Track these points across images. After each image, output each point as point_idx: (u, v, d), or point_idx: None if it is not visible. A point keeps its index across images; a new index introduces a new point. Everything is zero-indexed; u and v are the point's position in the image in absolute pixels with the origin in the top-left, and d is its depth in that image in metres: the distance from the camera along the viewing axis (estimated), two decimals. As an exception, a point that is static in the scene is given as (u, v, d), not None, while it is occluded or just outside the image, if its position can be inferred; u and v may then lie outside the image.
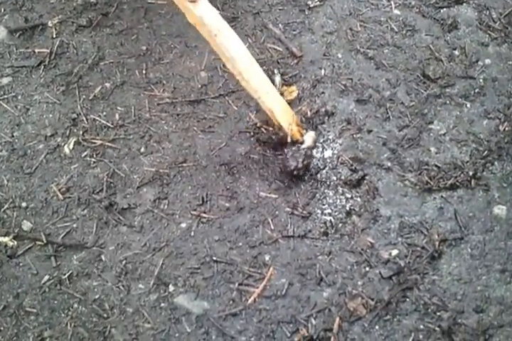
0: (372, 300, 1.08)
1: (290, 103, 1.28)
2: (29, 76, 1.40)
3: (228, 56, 1.13)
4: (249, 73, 1.15)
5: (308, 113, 1.32)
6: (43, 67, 1.41)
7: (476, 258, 1.13)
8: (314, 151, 1.25)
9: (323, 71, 1.40)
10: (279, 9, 1.51)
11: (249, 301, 1.08)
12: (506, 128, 1.30)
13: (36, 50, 1.44)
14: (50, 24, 1.49)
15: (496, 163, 1.25)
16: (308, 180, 1.22)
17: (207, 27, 1.11)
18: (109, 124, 1.31)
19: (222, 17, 1.48)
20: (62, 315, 1.08)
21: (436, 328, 1.05)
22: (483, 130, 1.30)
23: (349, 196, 1.20)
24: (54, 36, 1.47)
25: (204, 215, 1.18)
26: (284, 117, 1.19)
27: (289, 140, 1.19)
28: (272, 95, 1.19)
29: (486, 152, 1.26)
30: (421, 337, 1.04)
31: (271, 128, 1.27)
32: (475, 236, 1.16)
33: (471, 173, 1.23)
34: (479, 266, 1.12)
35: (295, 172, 1.19)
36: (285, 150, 1.20)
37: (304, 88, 1.36)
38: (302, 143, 1.21)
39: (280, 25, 1.48)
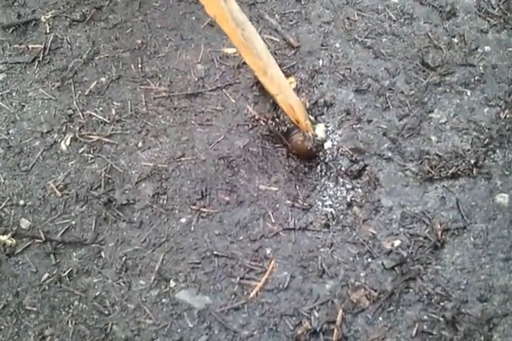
0: (375, 291, 1.07)
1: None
2: (23, 72, 1.39)
3: (253, 52, 1.10)
4: (271, 69, 1.13)
5: (307, 104, 1.30)
6: (37, 62, 1.40)
7: (479, 247, 1.12)
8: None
9: (321, 61, 1.38)
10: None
11: (251, 295, 1.07)
12: (507, 116, 1.29)
13: (30, 46, 1.43)
14: (43, 19, 1.48)
15: (497, 150, 1.24)
16: (308, 172, 1.21)
17: (234, 21, 1.05)
18: (105, 119, 1.30)
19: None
20: (63, 312, 1.07)
21: (441, 318, 1.04)
22: (484, 118, 1.29)
23: (350, 187, 1.19)
24: (47, 31, 1.46)
25: (204, 210, 1.17)
26: (302, 112, 1.19)
27: (307, 134, 1.19)
28: (290, 91, 1.18)
29: (487, 140, 1.25)
30: (425, 327, 1.04)
31: (270, 121, 1.26)
32: (477, 225, 1.15)
33: (472, 162, 1.22)
34: (482, 255, 1.11)
35: (312, 152, 1.20)
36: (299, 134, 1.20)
37: (302, 79, 1.35)
38: (316, 135, 1.21)
39: (276, 15, 1.46)
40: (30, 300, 1.09)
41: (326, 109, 1.30)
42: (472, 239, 1.14)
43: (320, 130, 1.24)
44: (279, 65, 1.34)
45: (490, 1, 1.49)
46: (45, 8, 1.50)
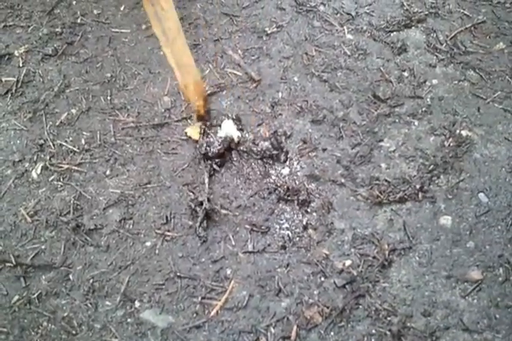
0: (328, 308, 1.20)
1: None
2: (-3, 104, 1.53)
3: (159, 25, 1.15)
4: (175, 47, 1.21)
5: (267, 133, 1.46)
6: (10, 95, 1.53)
7: (423, 266, 1.27)
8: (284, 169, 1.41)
9: (280, 94, 1.54)
10: (239, 36, 1.66)
11: (212, 314, 1.20)
12: (451, 144, 1.46)
13: (3, 79, 1.56)
14: (16, 53, 1.62)
15: (441, 176, 1.40)
16: (267, 197, 1.36)
17: None
18: (75, 149, 1.43)
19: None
20: (32, 333, 1.17)
21: (387, 332, 1.17)
22: (429, 146, 1.45)
23: (305, 211, 1.34)
24: (21, 65, 1.60)
25: (168, 233, 1.30)
26: (196, 92, 1.30)
27: (194, 115, 1.35)
28: (189, 70, 1.27)
29: (432, 166, 1.41)
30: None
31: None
32: (422, 245, 1.30)
33: (418, 187, 1.38)
34: (426, 273, 1.26)
35: (209, 156, 1.37)
36: (200, 139, 1.38)
37: (262, 110, 1.51)
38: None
39: (239, 51, 1.63)
40: (1, 322, 1.18)
41: (284, 138, 1.46)
42: (417, 258, 1.28)
43: (226, 126, 1.40)
44: (240, 97, 1.52)
45: (438, 37, 1.68)
46: (18, 43, 1.64)
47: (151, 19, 1.14)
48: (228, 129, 1.39)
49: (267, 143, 1.39)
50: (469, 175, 1.40)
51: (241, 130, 1.43)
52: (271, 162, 1.41)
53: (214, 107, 1.51)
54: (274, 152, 1.39)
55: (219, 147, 1.36)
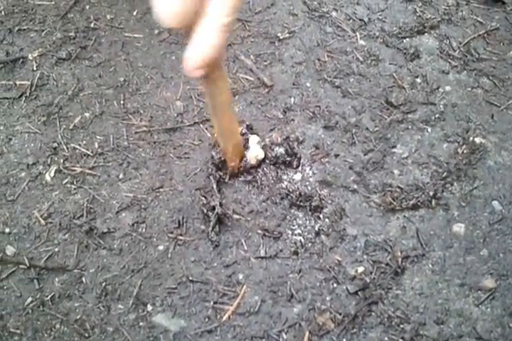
0: (340, 314, 1.22)
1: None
2: (11, 107, 1.55)
3: (212, 101, 1.15)
4: (220, 117, 1.21)
5: (279, 139, 1.48)
6: (24, 98, 1.56)
7: (436, 274, 1.28)
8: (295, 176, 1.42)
9: (292, 99, 1.57)
10: (251, 41, 1.69)
11: (224, 318, 1.21)
12: (464, 151, 1.48)
13: (17, 83, 1.59)
14: (30, 57, 1.65)
15: (455, 183, 1.42)
16: (279, 203, 1.38)
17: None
18: (88, 152, 1.46)
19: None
20: (45, 335, 1.19)
21: (400, 339, 1.19)
22: (443, 153, 1.47)
23: (318, 217, 1.36)
24: (34, 69, 1.63)
25: (180, 237, 1.32)
26: (235, 154, 1.34)
27: (232, 171, 1.37)
28: (233, 138, 1.30)
29: (445, 173, 1.43)
30: (385, 348, 1.19)
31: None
32: (435, 252, 1.31)
33: (431, 194, 1.39)
34: (440, 281, 1.27)
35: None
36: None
37: (274, 116, 1.53)
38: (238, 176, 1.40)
39: (251, 56, 1.66)
40: (14, 323, 1.21)
41: (296, 143, 1.48)
42: (430, 265, 1.30)
43: (253, 143, 1.40)
44: (252, 103, 1.55)
45: (451, 43, 1.71)
46: (32, 47, 1.67)
47: (205, 91, 1.15)
48: (255, 148, 1.40)
49: (281, 149, 1.41)
50: (483, 182, 1.41)
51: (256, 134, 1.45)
52: (283, 167, 1.43)
53: (226, 112, 1.53)
54: (288, 158, 1.41)
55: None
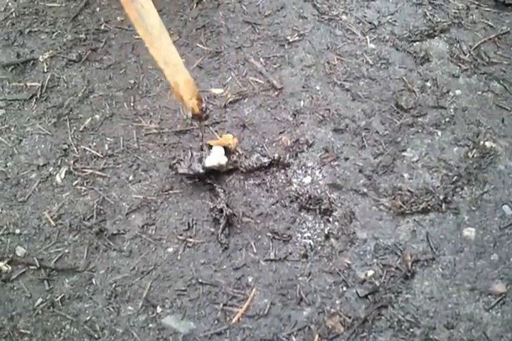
0: (350, 318, 1.22)
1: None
2: (22, 108, 1.57)
3: (143, 24, 1.16)
4: (161, 44, 1.21)
5: (289, 142, 1.49)
6: (34, 100, 1.58)
7: (446, 278, 1.29)
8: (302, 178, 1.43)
9: (302, 102, 1.58)
10: (260, 44, 1.71)
11: (233, 321, 1.22)
12: (475, 155, 1.48)
13: (28, 84, 1.62)
14: (41, 59, 1.67)
15: (465, 187, 1.42)
16: (288, 206, 1.39)
17: None
18: (98, 154, 1.47)
19: (206, 52, 1.69)
20: (55, 336, 1.20)
21: (410, 344, 1.20)
22: (453, 157, 1.48)
23: (327, 220, 1.37)
24: (45, 70, 1.65)
25: (190, 240, 1.33)
26: (187, 90, 1.30)
27: (189, 114, 1.34)
28: (178, 68, 1.27)
29: (455, 177, 1.44)
30: (395, 352, 1.19)
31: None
32: (446, 256, 1.32)
33: (441, 198, 1.40)
34: (450, 285, 1.28)
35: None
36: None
37: (284, 119, 1.54)
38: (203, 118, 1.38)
39: (261, 59, 1.67)
40: (24, 324, 1.22)
41: (306, 147, 1.49)
42: (440, 269, 1.30)
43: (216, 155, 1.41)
44: (262, 105, 1.56)
45: (461, 47, 1.71)
46: (43, 49, 1.69)
47: (132, 20, 1.16)
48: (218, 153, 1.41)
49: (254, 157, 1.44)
50: (493, 186, 1.42)
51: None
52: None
53: (235, 115, 1.55)
54: (266, 160, 1.43)
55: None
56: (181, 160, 1.40)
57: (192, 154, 1.41)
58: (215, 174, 1.42)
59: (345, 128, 1.52)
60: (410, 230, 1.35)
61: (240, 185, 1.42)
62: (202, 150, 1.42)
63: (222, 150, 1.41)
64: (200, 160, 1.39)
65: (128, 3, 1.11)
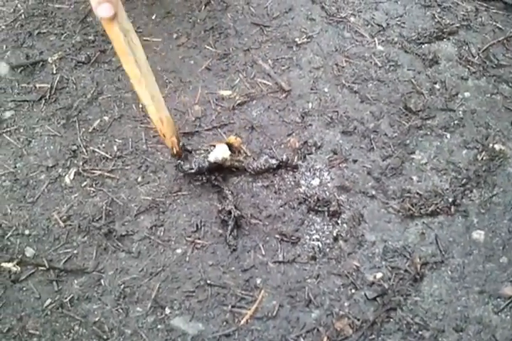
0: (358, 320, 1.23)
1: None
2: (31, 110, 1.58)
3: (131, 59, 1.15)
4: (147, 79, 1.21)
5: (297, 144, 1.50)
6: (43, 101, 1.59)
7: (455, 281, 1.29)
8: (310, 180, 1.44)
9: (310, 104, 1.59)
10: (269, 46, 1.71)
11: (242, 322, 1.23)
12: (484, 158, 1.48)
13: (37, 85, 1.63)
14: (50, 60, 1.68)
15: (474, 190, 1.43)
16: (297, 208, 1.39)
17: (119, 26, 1.10)
18: (107, 155, 1.48)
19: (215, 54, 1.70)
20: (64, 336, 1.21)
21: (419, 346, 1.20)
22: (462, 159, 1.48)
23: (336, 222, 1.37)
24: (54, 72, 1.66)
25: (198, 241, 1.34)
26: (170, 128, 1.33)
27: (173, 150, 1.38)
28: (162, 104, 1.29)
29: (464, 180, 1.44)
30: (404, 355, 1.20)
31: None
32: (455, 259, 1.32)
33: (450, 200, 1.40)
34: (459, 288, 1.28)
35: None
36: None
37: (292, 120, 1.55)
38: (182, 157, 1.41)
39: (269, 61, 1.68)
40: (33, 325, 1.23)
41: (314, 149, 1.49)
42: (449, 272, 1.31)
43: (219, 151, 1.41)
44: (270, 107, 1.57)
45: (470, 49, 1.72)
46: (52, 50, 1.71)
47: (120, 55, 1.15)
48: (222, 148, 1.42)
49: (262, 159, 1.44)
50: (502, 189, 1.42)
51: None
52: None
53: (243, 117, 1.56)
54: (274, 162, 1.44)
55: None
56: (186, 158, 1.41)
57: (196, 152, 1.43)
58: (219, 171, 1.42)
59: (353, 131, 1.53)
60: (419, 233, 1.36)
61: (248, 186, 1.43)
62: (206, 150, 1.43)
63: (226, 147, 1.42)
64: (205, 157, 1.41)
65: (118, 37, 1.10)
